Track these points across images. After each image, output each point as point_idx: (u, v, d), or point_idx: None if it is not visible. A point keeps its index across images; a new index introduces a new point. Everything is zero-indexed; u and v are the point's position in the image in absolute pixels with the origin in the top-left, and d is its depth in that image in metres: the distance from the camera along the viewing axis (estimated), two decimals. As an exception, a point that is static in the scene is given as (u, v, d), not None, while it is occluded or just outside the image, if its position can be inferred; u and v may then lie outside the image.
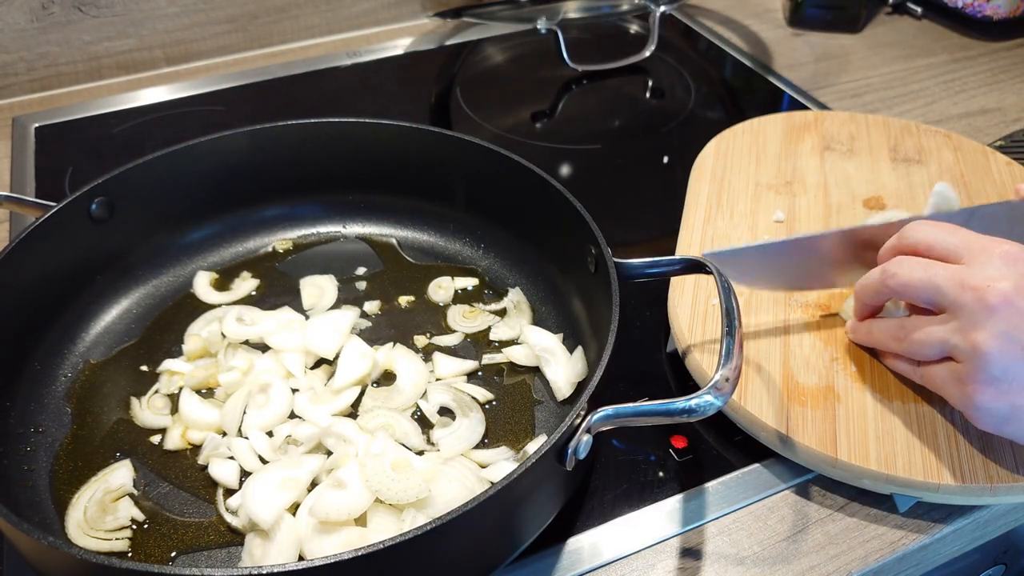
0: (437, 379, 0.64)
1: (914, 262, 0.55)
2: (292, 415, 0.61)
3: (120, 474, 0.57)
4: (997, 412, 0.51)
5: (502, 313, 0.70)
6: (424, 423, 0.61)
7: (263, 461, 0.58)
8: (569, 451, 0.48)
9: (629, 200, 0.87)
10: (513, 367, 0.65)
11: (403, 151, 0.74)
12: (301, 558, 0.51)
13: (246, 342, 0.67)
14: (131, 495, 0.57)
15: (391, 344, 0.66)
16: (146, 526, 0.55)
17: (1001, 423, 0.51)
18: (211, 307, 0.71)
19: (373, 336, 0.68)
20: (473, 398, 0.62)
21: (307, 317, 0.69)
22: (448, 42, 1.16)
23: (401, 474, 0.53)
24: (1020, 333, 0.49)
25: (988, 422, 0.52)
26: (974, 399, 0.51)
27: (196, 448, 0.60)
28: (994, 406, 0.51)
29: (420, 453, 0.58)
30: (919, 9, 1.20)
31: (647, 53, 1.08)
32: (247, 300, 0.72)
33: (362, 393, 0.63)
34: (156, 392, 0.63)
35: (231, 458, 0.58)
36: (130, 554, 0.53)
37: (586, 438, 0.48)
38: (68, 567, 0.44)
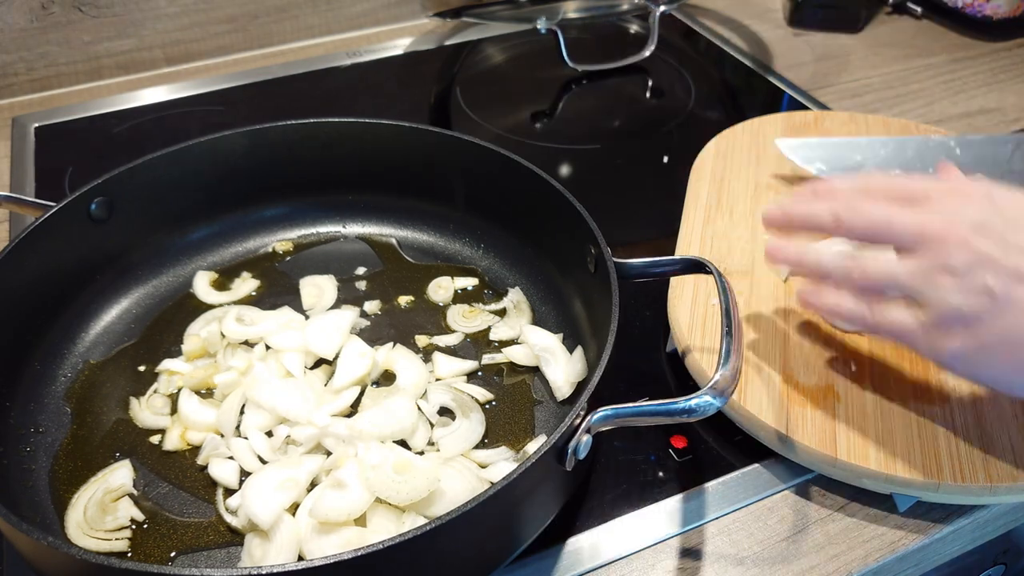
0: (437, 379, 0.64)
1: (869, 206, 0.53)
2: (292, 415, 0.61)
3: (120, 474, 0.57)
4: (966, 355, 0.50)
5: (502, 313, 0.70)
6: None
7: (263, 461, 0.58)
8: (569, 451, 0.48)
9: (629, 200, 0.87)
10: (513, 367, 0.65)
11: (403, 151, 0.74)
12: (301, 558, 0.51)
13: (246, 342, 0.67)
14: (131, 495, 0.57)
15: (391, 344, 0.66)
16: (146, 526, 0.55)
17: (972, 366, 0.50)
18: (211, 307, 0.71)
19: (373, 336, 0.68)
20: (473, 398, 0.62)
21: (307, 317, 0.69)
22: (448, 42, 1.16)
23: (406, 475, 0.53)
24: (981, 277, 0.48)
25: (962, 369, 0.51)
26: (947, 348, 0.50)
27: (196, 448, 0.60)
28: (965, 351, 0.49)
29: (420, 453, 0.58)
30: (919, 9, 1.20)
31: (647, 53, 1.08)
32: (247, 300, 0.72)
33: (362, 393, 0.63)
34: (155, 392, 0.63)
35: (231, 458, 0.58)
36: (130, 554, 0.53)
37: (586, 438, 0.48)
38: (68, 567, 0.44)
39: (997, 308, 0.48)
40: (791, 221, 0.57)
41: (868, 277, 0.53)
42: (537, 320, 0.69)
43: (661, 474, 0.60)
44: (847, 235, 0.54)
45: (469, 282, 0.73)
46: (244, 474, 0.57)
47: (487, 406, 0.62)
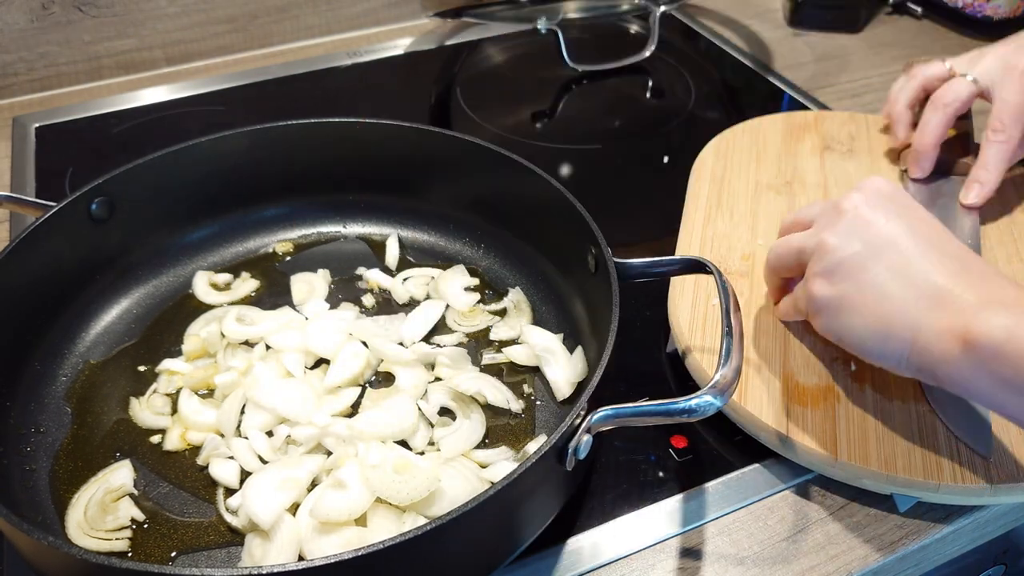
0: (436, 379, 0.64)
1: (783, 243, 0.61)
2: (292, 415, 0.61)
3: (120, 474, 0.57)
4: (829, 301, 0.55)
5: (502, 313, 0.70)
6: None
7: (263, 461, 0.58)
8: (569, 451, 0.48)
9: (629, 200, 0.87)
10: (513, 367, 0.65)
11: (403, 151, 0.74)
12: (301, 558, 0.51)
13: (246, 342, 0.67)
14: (131, 495, 0.57)
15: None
16: (146, 526, 0.55)
17: (832, 314, 0.55)
18: (211, 307, 0.71)
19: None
20: (473, 398, 0.62)
21: (296, 310, 0.69)
22: (448, 42, 1.16)
23: (406, 475, 0.53)
24: (859, 231, 0.54)
25: (823, 313, 0.56)
26: (812, 291, 0.56)
27: (196, 448, 0.60)
28: (826, 295, 0.55)
29: (421, 453, 0.58)
30: (919, 9, 1.20)
31: (647, 53, 1.08)
32: (247, 300, 0.72)
33: (362, 394, 0.63)
34: (155, 392, 0.63)
35: (231, 458, 0.58)
36: (130, 554, 0.53)
37: (586, 438, 0.48)
38: (68, 567, 0.44)
39: (861, 265, 0.53)
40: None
41: (778, 261, 0.62)
42: (537, 320, 0.69)
43: (661, 474, 0.60)
44: (792, 230, 0.62)
45: (470, 282, 0.73)
46: (244, 474, 0.57)
47: (487, 406, 0.62)
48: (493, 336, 0.68)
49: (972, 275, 0.51)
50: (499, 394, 0.62)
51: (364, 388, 0.64)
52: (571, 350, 0.64)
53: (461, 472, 0.56)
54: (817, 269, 0.55)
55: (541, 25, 1.06)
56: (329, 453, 0.57)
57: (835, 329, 0.55)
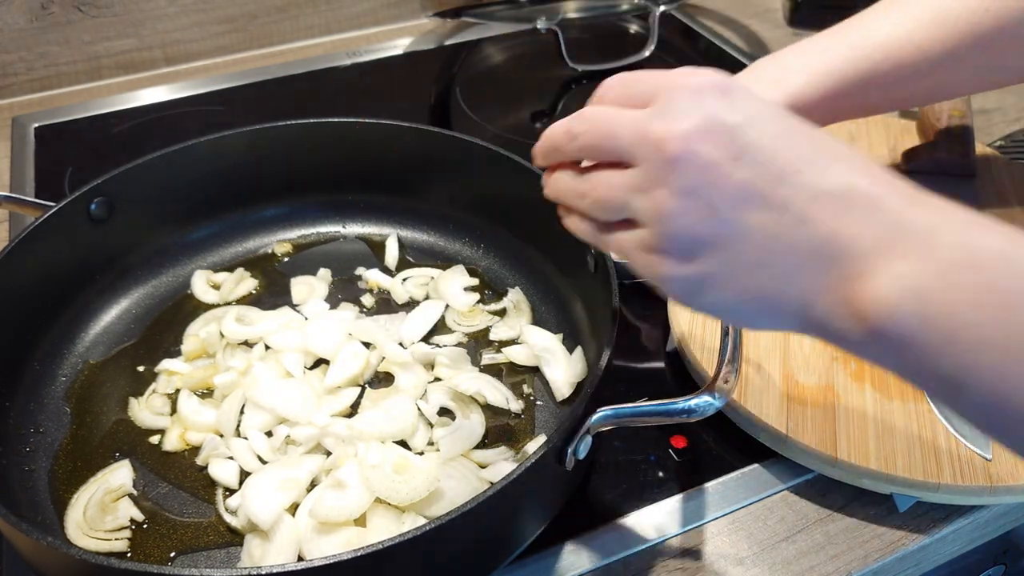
0: (436, 379, 0.64)
1: (598, 112, 0.44)
2: (292, 415, 0.61)
3: (119, 474, 0.57)
4: (687, 282, 0.41)
5: (502, 313, 0.70)
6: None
7: (262, 461, 0.58)
8: (569, 451, 0.48)
9: (629, 200, 0.87)
10: (513, 367, 0.65)
11: (403, 151, 0.74)
12: (301, 558, 0.51)
13: (245, 342, 0.66)
14: (130, 495, 0.57)
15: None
16: (145, 526, 0.55)
17: (692, 295, 0.42)
18: (210, 307, 0.71)
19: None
20: (473, 398, 0.62)
21: (295, 309, 0.69)
22: (448, 42, 1.16)
23: (405, 475, 0.53)
24: (705, 188, 0.39)
25: (681, 295, 0.42)
26: (660, 270, 0.41)
27: (195, 448, 0.60)
28: (682, 276, 0.41)
29: (420, 453, 0.58)
30: (919, 9, 1.20)
31: (647, 53, 1.08)
32: (246, 300, 0.72)
33: (362, 394, 0.63)
34: (154, 392, 0.63)
35: (230, 458, 0.58)
36: (129, 554, 0.53)
37: (586, 438, 0.48)
38: (67, 567, 0.44)
39: (721, 234, 0.39)
40: (542, 152, 0.49)
41: (596, 208, 0.44)
42: (537, 320, 0.69)
43: (661, 474, 0.60)
44: (580, 154, 0.45)
45: (469, 282, 0.73)
46: (244, 474, 0.57)
47: (487, 406, 0.62)
48: (493, 336, 0.68)
49: (860, 200, 0.38)
50: (499, 394, 0.62)
51: (364, 388, 0.64)
52: (571, 350, 0.64)
53: (461, 472, 0.56)
54: (664, 245, 0.41)
55: (541, 25, 1.06)
56: (329, 453, 0.57)
57: (698, 308, 0.43)
